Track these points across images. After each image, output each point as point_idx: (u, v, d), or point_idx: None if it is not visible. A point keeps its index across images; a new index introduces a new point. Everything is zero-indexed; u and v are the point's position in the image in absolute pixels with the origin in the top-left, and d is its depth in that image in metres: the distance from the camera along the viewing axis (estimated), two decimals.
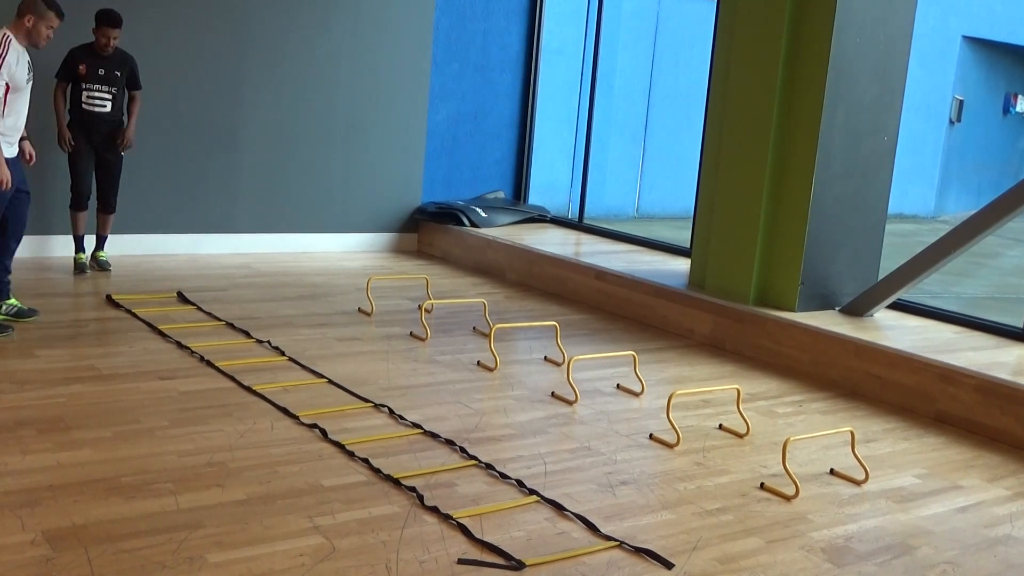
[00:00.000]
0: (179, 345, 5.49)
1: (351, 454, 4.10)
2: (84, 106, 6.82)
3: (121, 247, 7.56)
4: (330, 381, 5.06)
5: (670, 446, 4.52)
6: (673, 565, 3.37)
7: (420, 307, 6.43)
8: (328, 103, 8.45)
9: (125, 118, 7.04)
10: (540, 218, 9.37)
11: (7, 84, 5.23)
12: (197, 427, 4.30)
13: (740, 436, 4.72)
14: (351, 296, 7.03)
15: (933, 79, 15.26)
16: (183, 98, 7.71)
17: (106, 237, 7.23)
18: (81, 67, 6.74)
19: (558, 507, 3.75)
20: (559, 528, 3.60)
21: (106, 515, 3.40)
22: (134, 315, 6.03)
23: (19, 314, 5.64)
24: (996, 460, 4.72)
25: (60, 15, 5.45)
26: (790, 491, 4.05)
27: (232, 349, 5.51)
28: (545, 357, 5.84)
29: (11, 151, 5.36)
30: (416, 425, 4.51)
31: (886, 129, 6.42)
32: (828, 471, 4.36)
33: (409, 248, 9.07)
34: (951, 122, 16.40)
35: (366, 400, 4.80)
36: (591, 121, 9.43)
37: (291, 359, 5.40)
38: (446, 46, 9.06)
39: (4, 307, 5.58)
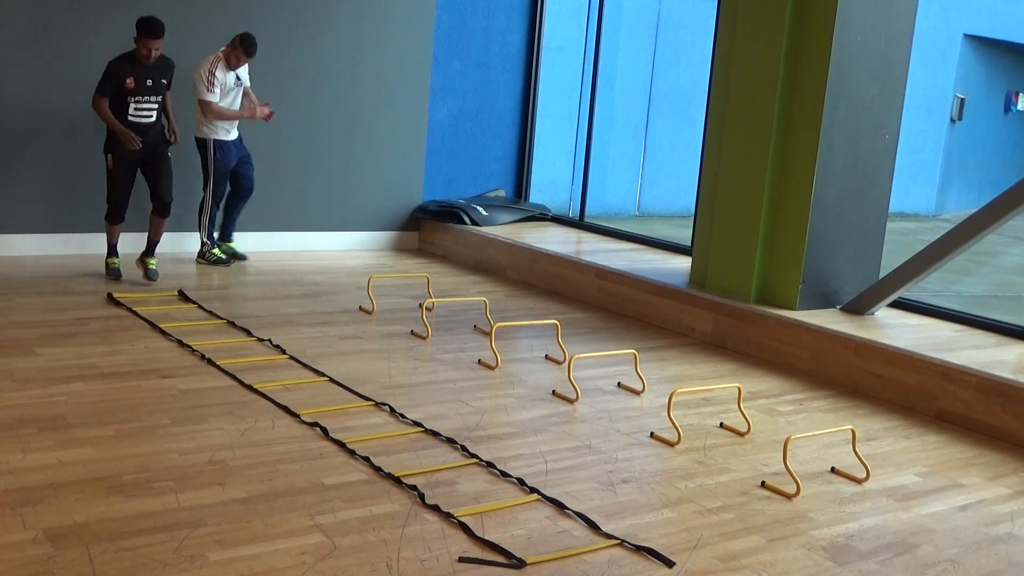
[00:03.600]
0: (180, 343, 5.49)
1: (352, 452, 4.10)
2: (130, 118, 6.60)
3: (122, 245, 7.55)
4: (331, 379, 5.07)
5: (671, 444, 4.52)
6: (674, 563, 3.38)
7: (421, 305, 6.43)
8: (329, 101, 8.45)
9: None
10: (541, 216, 9.37)
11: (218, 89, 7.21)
12: (198, 425, 4.30)
13: (741, 434, 4.73)
14: (352, 294, 7.04)
15: (934, 77, 15.24)
16: (185, 96, 7.70)
17: (157, 242, 6.98)
18: (129, 81, 6.52)
19: (559, 505, 3.76)
20: (560, 526, 3.60)
21: (107, 513, 3.40)
22: (135, 313, 6.03)
23: (235, 255, 7.73)
24: (997, 458, 4.72)
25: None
26: (791, 489, 4.05)
27: (233, 347, 5.52)
28: (546, 355, 5.84)
29: (228, 136, 7.42)
30: (417, 423, 4.51)
31: (887, 127, 6.41)
32: (829, 469, 4.36)
33: (410, 246, 9.07)
34: (952, 120, 16.38)
35: (367, 398, 4.81)
36: (592, 119, 9.43)
37: (292, 357, 5.40)
38: (447, 44, 9.06)
39: (231, 247, 7.73)
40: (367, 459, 4.03)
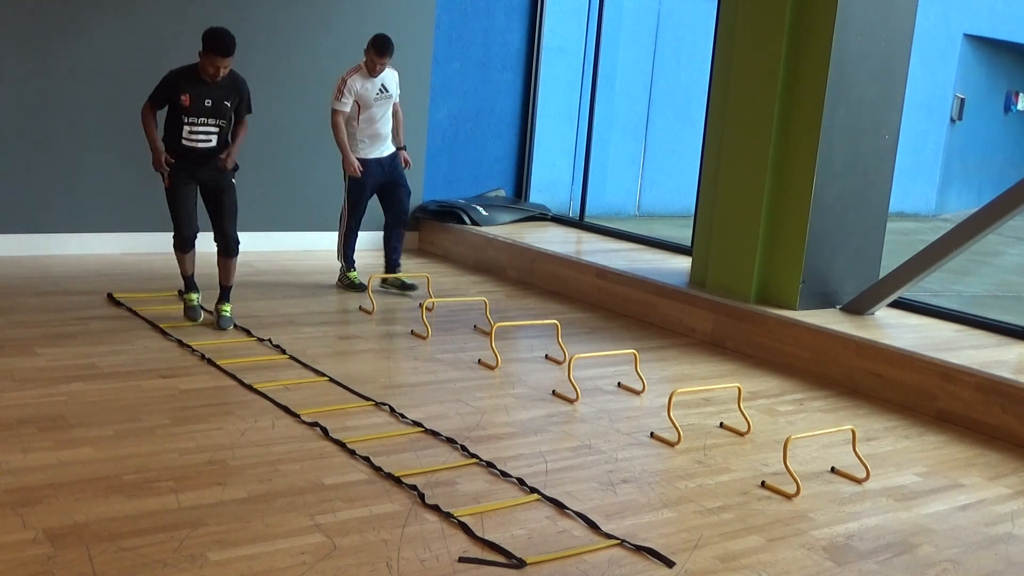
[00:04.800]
0: (180, 343, 5.49)
1: (352, 452, 4.10)
2: (184, 142, 5.68)
3: (122, 245, 7.56)
4: (331, 379, 5.07)
5: (671, 444, 4.52)
6: (674, 563, 3.38)
7: (421, 305, 6.43)
8: (329, 101, 8.42)
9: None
10: (541, 216, 9.37)
11: (357, 103, 6.91)
12: (198, 425, 4.30)
13: (741, 434, 4.73)
14: (352, 294, 7.03)
15: (934, 77, 15.24)
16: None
17: (230, 288, 6.04)
18: (184, 98, 5.58)
19: (559, 505, 3.76)
20: (560, 526, 3.60)
21: (107, 513, 3.40)
22: (135, 313, 6.03)
23: (403, 286, 7.17)
24: (997, 458, 4.72)
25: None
26: (791, 489, 4.05)
27: (233, 347, 5.52)
28: (546, 355, 5.84)
29: (368, 152, 7.06)
30: (417, 423, 4.51)
31: (887, 127, 6.41)
32: (829, 469, 4.36)
33: (410, 246, 9.06)
34: (952, 120, 16.38)
35: (367, 398, 4.81)
36: (592, 119, 9.43)
37: (292, 357, 5.40)
38: (447, 44, 9.06)
39: (399, 279, 7.18)
40: (367, 459, 4.03)
